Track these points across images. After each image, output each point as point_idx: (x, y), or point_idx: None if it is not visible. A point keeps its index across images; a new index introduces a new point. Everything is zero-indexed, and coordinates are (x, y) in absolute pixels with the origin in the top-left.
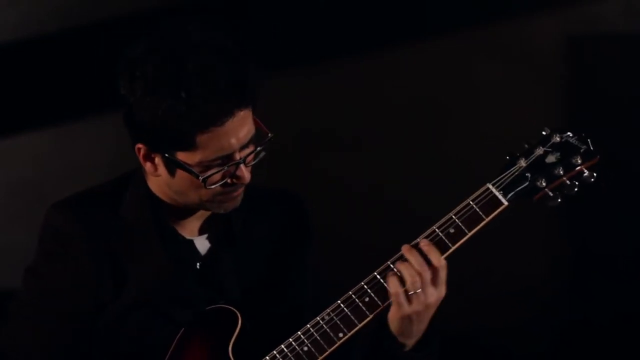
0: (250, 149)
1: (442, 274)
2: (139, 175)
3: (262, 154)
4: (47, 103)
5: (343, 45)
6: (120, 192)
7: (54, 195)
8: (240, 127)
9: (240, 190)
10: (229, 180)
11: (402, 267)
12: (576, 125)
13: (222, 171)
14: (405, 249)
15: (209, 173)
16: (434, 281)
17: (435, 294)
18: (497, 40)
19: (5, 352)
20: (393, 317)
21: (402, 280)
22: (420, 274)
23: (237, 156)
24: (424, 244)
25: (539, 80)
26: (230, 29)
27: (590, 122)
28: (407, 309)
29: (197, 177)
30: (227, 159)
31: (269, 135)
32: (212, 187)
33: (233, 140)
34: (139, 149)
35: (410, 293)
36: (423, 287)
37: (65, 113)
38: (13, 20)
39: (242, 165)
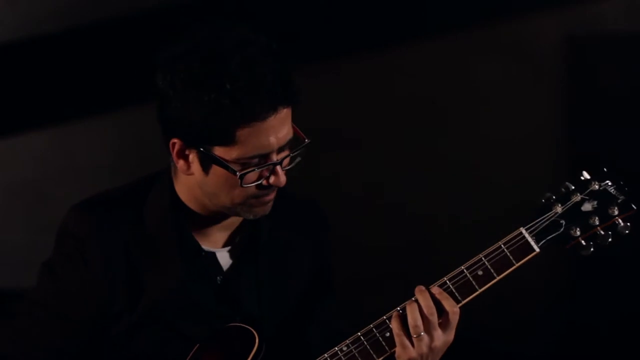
0: (287, 152)
1: (453, 320)
2: (164, 180)
3: (298, 159)
4: (47, 103)
5: (343, 46)
6: (143, 197)
7: (54, 196)
8: (281, 126)
9: (272, 195)
10: (264, 182)
11: (408, 308)
12: (576, 126)
13: (259, 171)
14: (417, 291)
15: (246, 171)
16: (443, 325)
17: (442, 338)
18: (497, 40)
19: (9, 347)
20: (398, 357)
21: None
22: (427, 318)
23: (275, 157)
24: (436, 291)
25: (539, 80)
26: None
27: (590, 122)
28: (411, 351)
29: (235, 172)
30: (264, 159)
31: (306, 141)
32: (247, 186)
33: (272, 139)
34: (174, 144)
35: (413, 336)
36: (429, 330)
37: (65, 113)
38: (13, 20)
39: (278, 167)
